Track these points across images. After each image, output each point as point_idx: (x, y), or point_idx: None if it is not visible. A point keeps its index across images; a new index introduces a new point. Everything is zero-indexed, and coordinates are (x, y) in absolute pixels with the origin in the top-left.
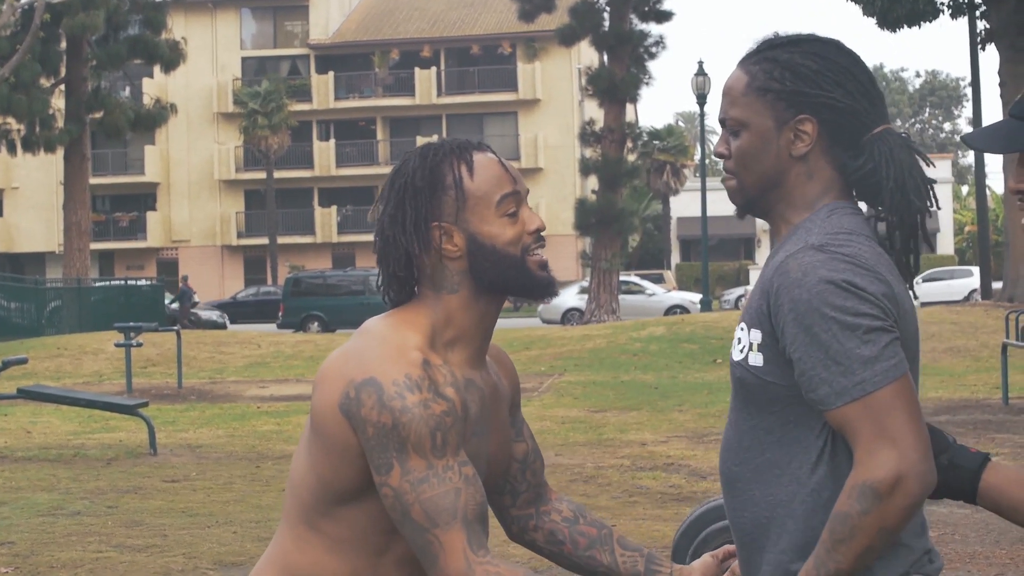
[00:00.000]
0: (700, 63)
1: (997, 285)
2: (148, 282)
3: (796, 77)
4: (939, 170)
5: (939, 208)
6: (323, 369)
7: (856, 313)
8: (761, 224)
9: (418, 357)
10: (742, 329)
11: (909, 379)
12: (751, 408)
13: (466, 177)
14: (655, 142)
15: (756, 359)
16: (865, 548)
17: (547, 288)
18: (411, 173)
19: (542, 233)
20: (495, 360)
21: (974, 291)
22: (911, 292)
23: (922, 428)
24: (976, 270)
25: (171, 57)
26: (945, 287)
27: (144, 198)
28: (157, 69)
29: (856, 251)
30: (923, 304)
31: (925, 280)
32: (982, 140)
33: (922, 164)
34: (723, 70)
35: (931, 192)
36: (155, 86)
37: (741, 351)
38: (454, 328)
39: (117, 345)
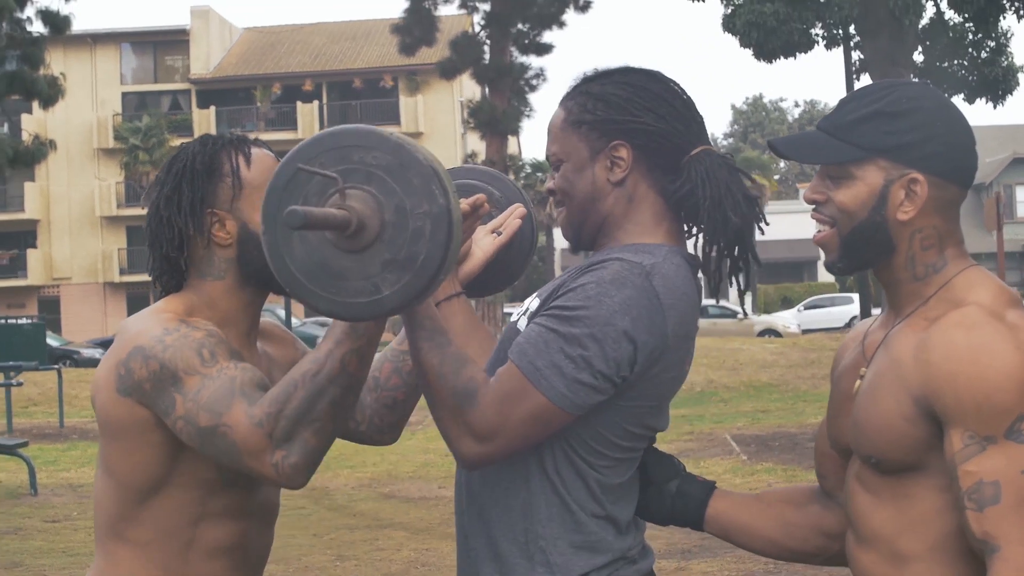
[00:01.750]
0: None
1: (877, 311)
2: (29, 320)
3: (607, 106)
4: None
5: (767, 224)
6: (94, 379)
7: (604, 343)
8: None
9: (173, 316)
10: (533, 297)
11: (564, 418)
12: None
13: (243, 167)
14: (537, 174)
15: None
16: (426, 380)
17: None
18: (191, 157)
19: None
20: (274, 338)
21: (855, 318)
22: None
23: (522, 445)
24: (856, 297)
25: (50, 93)
26: (826, 314)
27: (24, 235)
28: (36, 105)
29: (673, 301)
30: (804, 331)
31: (807, 307)
32: (789, 147)
33: (744, 181)
34: (685, 91)
35: (755, 208)
36: (34, 122)
37: (520, 314)
38: (218, 312)
39: None
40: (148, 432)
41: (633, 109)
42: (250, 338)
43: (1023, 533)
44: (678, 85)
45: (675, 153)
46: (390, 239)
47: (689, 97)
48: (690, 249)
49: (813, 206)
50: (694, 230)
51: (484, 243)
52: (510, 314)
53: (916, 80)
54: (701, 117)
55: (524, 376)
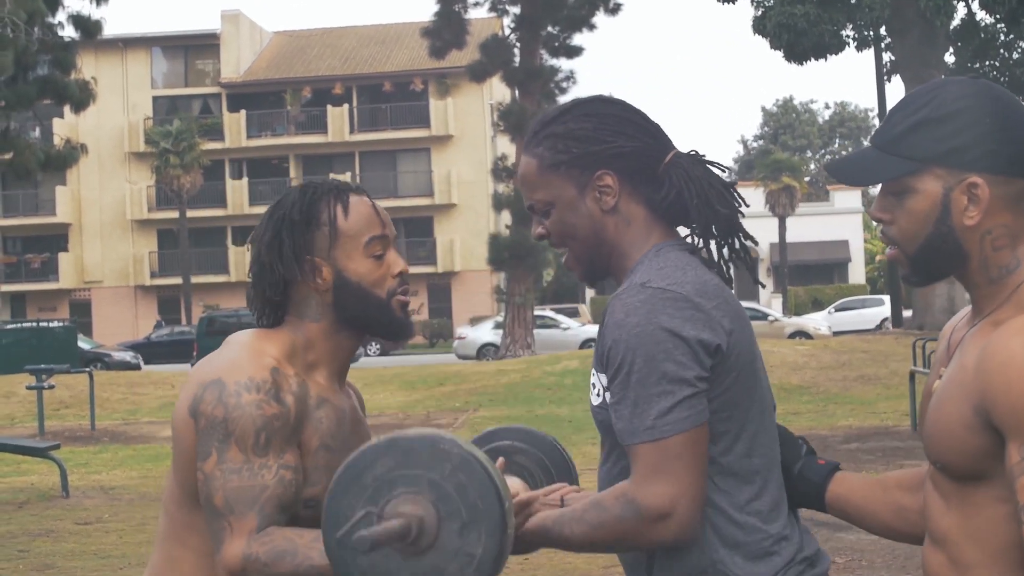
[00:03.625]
0: None
1: (908, 314)
2: (60, 323)
3: (578, 142)
4: (849, 200)
5: (747, 206)
6: (188, 374)
7: (665, 359)
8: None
9: (269, 363)
10: (594, 374)
11: (702, 432)
12: (618, 450)
13: (340, 216)
14: None
15: (612, 399)
16: (599, 541)
17: (404, 329)
18: (290, 206)
19: (406, 275)
20: (353, 393)
21: (885, 320)
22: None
23: (702, 480)
24: (887, 299)
25: (81, 97)
26: (857, 316)
27: (56, 239)
28: (67, 109)
29: (676, 281)
30: (835, 333)
31: (837, 309)
32: (842, 171)
33: (717, 172)
34: (633, 104)
35: (735, 193)
36: (65, 126)
37: (597, 395)
38: (314, 352)
39: (29, 388)
40: None
41: (604, 137)
42: (340, 379)
43: None
44: (627, 103)
45: (652, 165)
46: (447, 540)
47: (641, 110)
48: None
49: (879, 224)
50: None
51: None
52: (539, 317)
53: (960, 78)
54: (659, 124)
55: (652, 443)
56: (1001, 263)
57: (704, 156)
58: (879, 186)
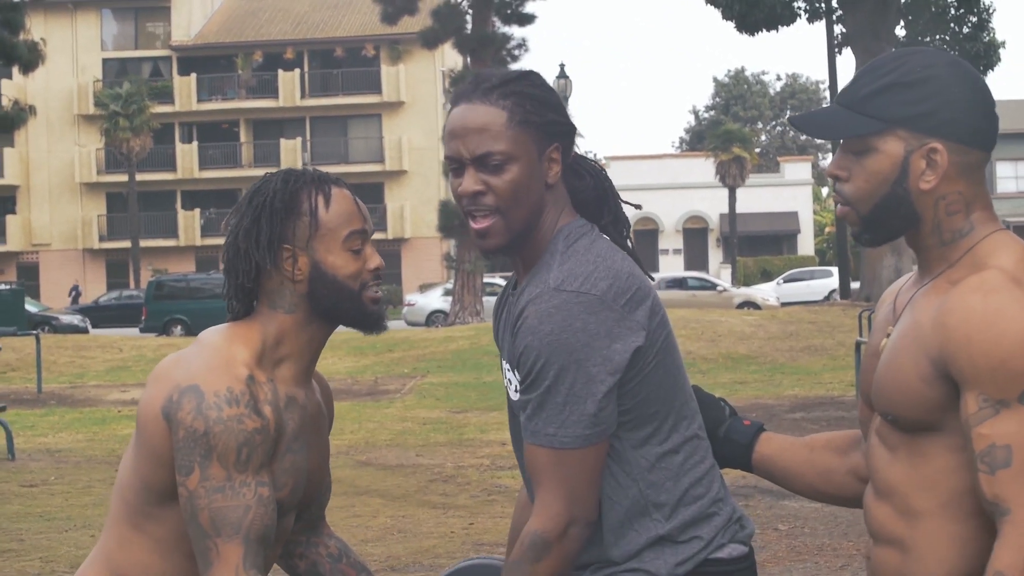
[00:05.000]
0: (562, 66)
1: (856, 285)
2: (8, 286)
3: (545, 107)
4: (799, 172)
5: (638, 207)
6: (155, 371)
7: (577, 370)
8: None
9: (244, 372)
10: (509, 370)
11: (601, 448)
12: None
13: (321, 207)
14: None
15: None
16: None
17: (377, 322)
18: (271, 193)
19: (381, 271)
20: (319, 385)
21: (833, 291)
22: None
23: (596, 490)
24: (835, 271)
25: (30, 58)
26: (805, 287)
27: (3, 201)
28: (16, 70)
29: (589, 280)
30: (783, 304)
31: (786, 280)
32: (808, 124)
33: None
34: (584, 73)
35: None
36: (14, 87)
37: (515, 391)
38: (285, 346)
39: None
40: (170, 459)
41: (561, 111)
42: (308, 374)
43: None
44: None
45: (570, 147)
46: None
47: None
48: None
49: (835, 181)
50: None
51: None
52: (489, 284)
53: (928, 47)
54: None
55: (550, 450)
56: (954, 227)
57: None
58: (830, 159)
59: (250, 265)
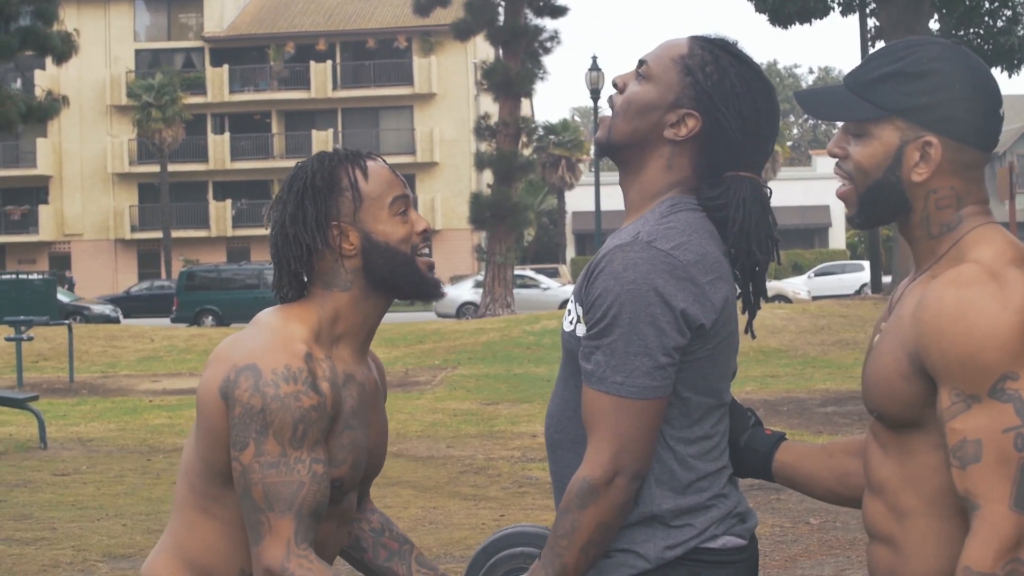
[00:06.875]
0: (594, 58)
1: (887, 279)
2: (40, 276)
3: (715, 85)
4: (830, 165)
5: (780, 263)
6: (215, 352)
7: (651, 323)
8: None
9: (302, 349)
10: (572, 302)
11: (661, 404)
12: (577, 379)
13: (361, 180)
14: (550, 136)
15: (583, 331)
16: (587, 542)
17: (434, 288)
18: (310, 175)
19: (429, 233)
20: (373, 363)
21: (865, 285)
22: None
23: (650, 447)
24: (867, 264)
25: (63, 49)
26: (836, 281)
27: (36, 191)
28: (49, 61)
29: (680, 246)
30: (815, 297)
31: (817, 274)
32: (809, 103)
33: (772, 222)
34: (617, 65)
35: (775, 249)
36: (47, 78)
37: (570, 323)
38: (342, 324)
39: (8, 339)
40: (228, 440)
41: (730, 104)
42: (364, 352)
43: (1003, 491)
44: (775, 113)
45: (729, 162)
46: None
47: (777, 128)
48: None
49: (835, 160)
50: None
51: None
52: (519, 277)
53: (942, 40)
54: (774, 152)
55: (615, 397)
56: (943, 221)
57: (770, 197)
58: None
59: (301, 249)
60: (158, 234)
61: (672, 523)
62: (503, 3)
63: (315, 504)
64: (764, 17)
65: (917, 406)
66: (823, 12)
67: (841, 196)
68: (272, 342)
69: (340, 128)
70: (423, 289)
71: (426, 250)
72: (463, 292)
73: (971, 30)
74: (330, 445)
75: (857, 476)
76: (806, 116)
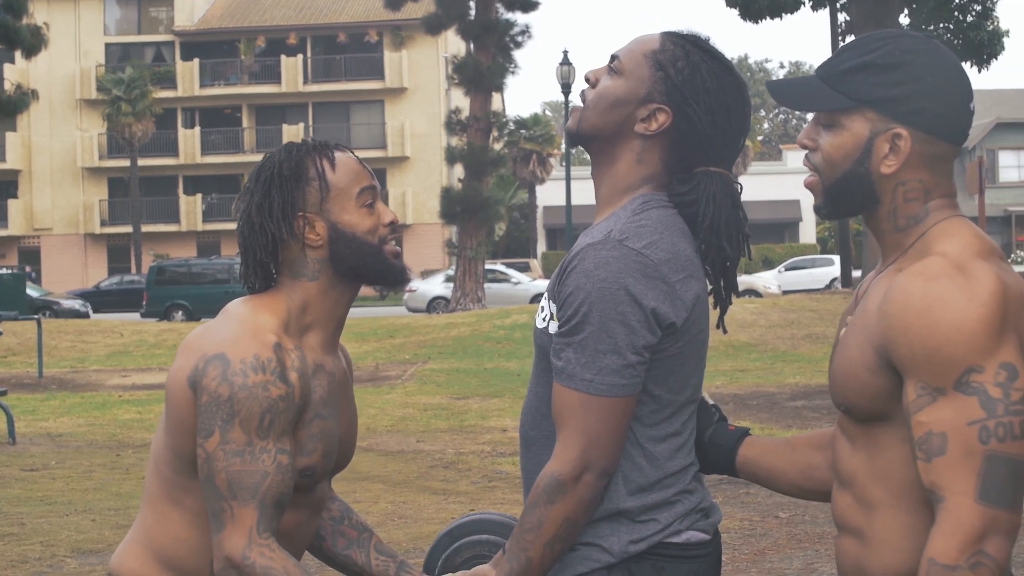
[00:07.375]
0: (565, 53)
1: (857, 274)
2: (9, 271)
3: (686, 81)
4: (801, 160)
5: (750, 258)
6: (184, 342)
7: (620, 322)
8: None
9: (271, 339)
10: (546, 299)
11: (631, 401)
12: (550, 376)
13: (328, 170)
14: (521, 131)
15: (555, 328)
16: (552, 537)
17: (401, 275)
18: (278, 165)
19: (396, 225)
20: (342, 353)
21: (835, 279)
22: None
23: (618, 445)
24: (837, 259)
25: (32, 42)
26: (807, 275)
27: (5, 185)
28: (18, 55)
29: (652, 244)
30: (785, 292)
31: (787, 268)
32: (781, 92)
33: (742, 219)
34: (588, 59)
35: (745, 245)
36: (16, 72)
37: (543, 320)
38: (311, 313)
39: None
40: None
41: (699, 99)
42: (334, 341)
43: (967, 484)
44: (748, 114)
45: (699, 158)
46: None
47: (749, 125)
48: None
49: (804, 150)
50: None
51: None
52: (490, 271)
53: (915, 32)
54: (744, 148)
55: (584, 395)
56: (910, 214)
57: (740, 192)
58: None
59: (267, 238)
60: (128, 228)
61: (637, 518)
62: None
63: (279, 494)
64: (735, 11)
65: (884, 399)
66: (794, 7)
67: (808, 185)
68: (241, 332)
69: (311, 122)
70: (389, 276)
71: (393, 240)
72: (434, 287)
73: (941, 24)
74: (300, 434)
75: (820, 470)
76: (777, 110)
